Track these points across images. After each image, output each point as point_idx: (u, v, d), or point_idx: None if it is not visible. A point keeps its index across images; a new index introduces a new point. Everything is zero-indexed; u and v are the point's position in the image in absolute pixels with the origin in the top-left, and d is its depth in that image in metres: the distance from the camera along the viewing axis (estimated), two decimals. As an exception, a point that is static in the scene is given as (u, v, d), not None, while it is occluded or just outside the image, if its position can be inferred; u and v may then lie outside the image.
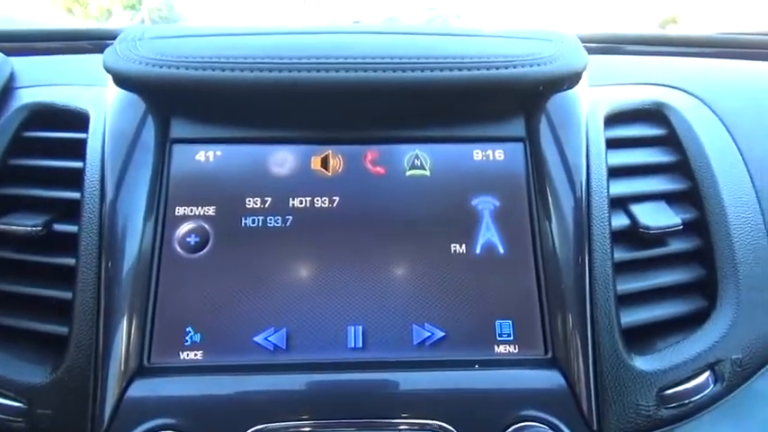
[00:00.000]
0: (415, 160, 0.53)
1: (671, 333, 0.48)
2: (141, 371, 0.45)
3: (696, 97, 0.61)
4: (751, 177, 0.55)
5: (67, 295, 0.46)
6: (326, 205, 0.51)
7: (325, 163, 0.52)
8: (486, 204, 0.51)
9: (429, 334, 0.47)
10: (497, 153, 0.53)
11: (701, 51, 0.77)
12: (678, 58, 0.73)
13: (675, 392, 0.45)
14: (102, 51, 0.52)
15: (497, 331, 0.47)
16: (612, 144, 0.54)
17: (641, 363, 0.45)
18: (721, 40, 0.79)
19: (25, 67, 0.63)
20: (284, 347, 0.47)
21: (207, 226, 0.50)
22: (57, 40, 0.77)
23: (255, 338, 0.47)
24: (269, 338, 0.47)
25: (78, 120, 0.54)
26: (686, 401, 0.45)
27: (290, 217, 0.50)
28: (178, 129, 0.52)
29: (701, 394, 0.45)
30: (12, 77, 0.60)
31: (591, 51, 0.54)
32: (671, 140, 0.57)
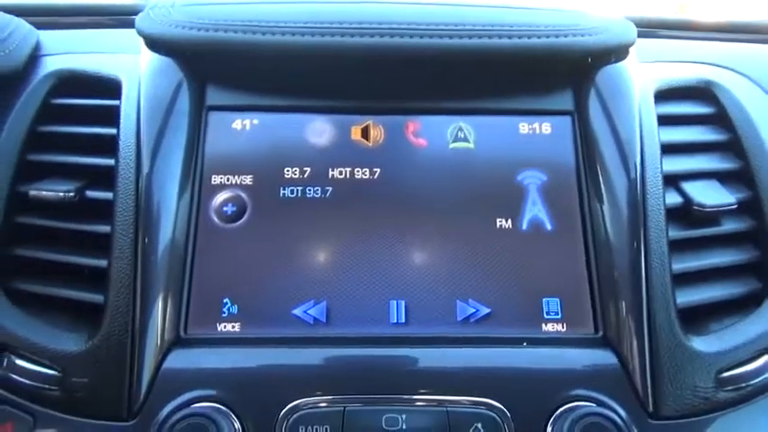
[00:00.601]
0: (459, 132, 0.51)
1: (725, 315, 0.47)
2: (179, 341, 0.43)
3: (745, 76, 0.59)
4: None
5: (102, 263, 0.44)
6: (367, 177, 0.49)
7: (365, 133, 0.51)
8: (532, 179, 0.50)
9: (474, 310, 0.46)
10: (544, 126, 0.51)
11: (742, 37, 0.75)
12: (721, 42, 0.70)
13: (734, 374, 0.43)
14: (127, 26, 0.50)
15: (545, 309, 0.46)
16: (663, 121, 0.52)
17: (699, 343, 0.43)
18: (762, 26, 0.76)
19: (52, 38, 0.61)
20: (324, 321, 0.45)
21: (244, 195, 0.48)
22: (81, 15, 0.75)
23: (294, 311, 0.45)
24: (308, 311, 0.45)
25: (109, 87, 0.53)
26: (744, 384, 0.43)
27: (330, 188, 0.49)
28: (214, 96, 0.51)
29: (760, 378, 0.43)
30: (38, 46, 0.59)
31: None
32: (721, 119, 0.55)
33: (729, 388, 0.43)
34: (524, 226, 0.48)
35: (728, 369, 0.43)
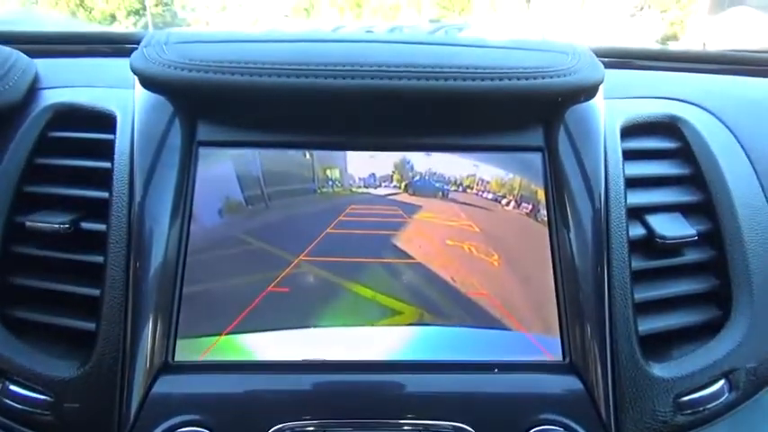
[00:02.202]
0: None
1: (686, 342, 0.49)
2: (166, 368, 0.45)
3: (709, 112, 0.62)
4: (763, 190, 0.56)
5: (95, 292, 0.47)
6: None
7: (348, 168, 0.53)
8: None
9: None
10: None
11: (711, 68, 0.78)
12: (689, 74, 0.74)
13: (692, 399, 0.46)
14: (122, 55, 0.53)
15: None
16: (628, 155, 0.55)
17: (658, 369, 0.46)
18: (731, 57, 0.80)
19: (48, 68, 0.64)
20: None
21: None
22: (77, 44, 0.78)
23: None
24: None
25: (105, 120, 0.55)
26: (702, 408, 0.46)
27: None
28: (204, 131, 0.53)
29: (717, 402, 0.46)
30: (36, 79, 0.61)
31: (604, 66, 0.55)
32: (685, 153, 0.58)
33: (688, 412, 0.46)
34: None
35: (687, 394, 0.46)
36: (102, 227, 0.49)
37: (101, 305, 0.46)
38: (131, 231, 0.48)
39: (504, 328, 0.48)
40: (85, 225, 0.50)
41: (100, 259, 0.48)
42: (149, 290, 0.46)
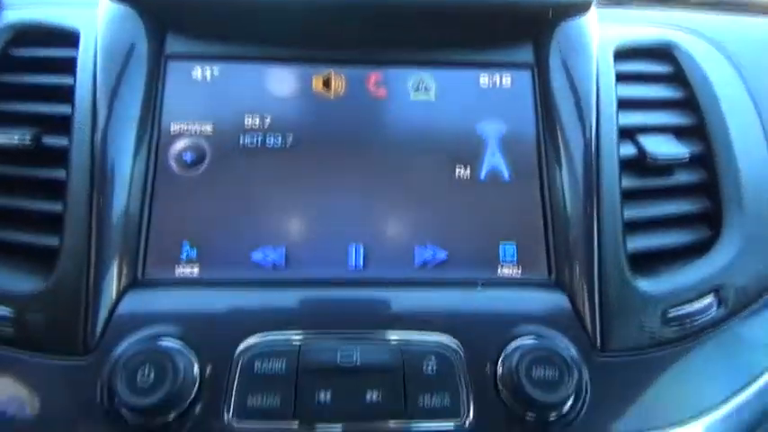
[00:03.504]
0: (420, 84, 0.51)
1: (675, 261, 0.48)
2: (136, 283, 0.43)
3: (708, 41, 0.60)
4: (759, 115, 0.54)
5: (58, 208, 0.44)
6: (328, 127, 0.50)
7: (326, 83, 0.51)
8: (492, 130, 0.50)
9: (431, 255, 0.46)
10: (504, 79, 0.52)
11: (706, 8, 0.76)
12: (690, 12, 0.72)
13: (679, 313, 0.45)
14: None
15: (501, 254, 0.47)
16: (621, 78, 0.53)
17: (646, 285, 0.45)
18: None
19: None
20: (283, 265, 0.45)
21: (203, 143, 0.48)
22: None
23: (253, 255, 0.46)
24: (267, 256, 0.46)
25: (68, 38, 0.52)
26: (689, 322, 0.45)
27: (290, 136, 0.49)
28: (174, 44, 0.51)
29: (704, 316, 0.45)
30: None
31: (600, 4, 0.53)
32: (679, 78, 0.56)
33: (675, 325, 0.44)
34: (483, 175, 0.49)
35: (673, 308, 0.44)
36: (64, 142, 0.46)
37: (63, 220, 0.43)
38: (95, 146, 0.45)
39: (488, 245, 0.47)
40: (47, 140, 0.47)
41: (62, 174, 0.45)
42: (115, 205, 0.44)
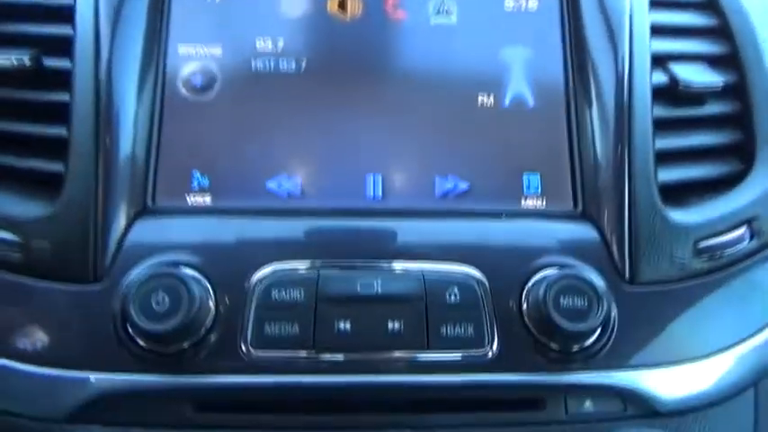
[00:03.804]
0: (441, 6, 0.48)
1: (706, 194, 0.46)
2: (146, 211, 0.42)
3: None
4: None
5: (63, 132, 0.42)
6: (344, 51, 0.47)
7: (342, 4, 0.48)
8: (516, 56, 0.47)
9: (452, 186, 0.44)
10: (531, 2, 0.49)
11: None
12: None
13: (711, 244, 0.43)
14: None
15: (524, 185, 0.45)
16: (653, 4, 0.50)
17: (678, 215, 0.43)
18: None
19: None
20: (298, 194, 0.44)
21: (213, 66, 0.46)
22: None
23: (268, 184, 0.44)
24: (282, 185, 0.44)
25: None
26: (720, 254, 0.43)
27: (305, 61, 0.46)
28: None
29: (737, 247, 0.43)
30: None
31: None
32: (713, 5, 0.53)
33: (705, 257, 0.43)
34: (506, 102, 0.46)
35: (705, 239, 0.43)
36: (66, 64, 0.44)
37: (68, 143, 0.41)
38: (98, 68, 0.43)
39: (511, 175, 0.45)
40: (48, 62, 0.45)
41: (66, 98, 0.43)
42: (121, 129, 0.42)
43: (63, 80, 0.43)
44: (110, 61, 0.43)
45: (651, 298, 0.42)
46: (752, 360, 0.42)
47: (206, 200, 0.43)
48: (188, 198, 0.43)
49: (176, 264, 0.39)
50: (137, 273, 0.38)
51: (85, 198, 0.40)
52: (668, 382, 0.41)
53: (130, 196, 0.41)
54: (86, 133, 0.42)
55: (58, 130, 0.43)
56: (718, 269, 0.43)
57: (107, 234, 0.40)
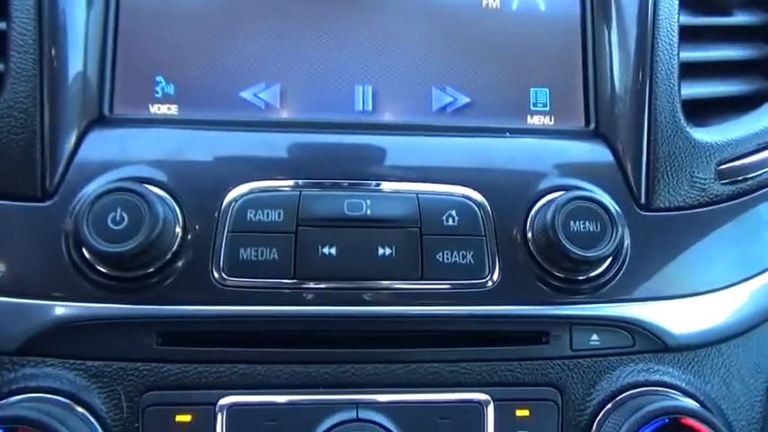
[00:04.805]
0: None
1: (728, 113, 0.42)
2: (102, 120, 0.37)
3: None
4: None
5: (2, 25, 0.36)
6: None
7: None
8: None
9: (451, 99, 0.40)
10: None
11: None
12: None
13: (734, 166, 0.39)
14: None
15: (531, 100, 0.40)
16: None
17: (701, 134, 0.39)
18: None
19: None
20: (277, 105, 0.39)
21: None
22: None
23: (242, 94, 0.39)
24: (259, 94, 0.39)
25: None
26: (743, 177, 0.39)
27: None
28: None
29: (760, 171, 0.39)
30: None
31: None
32: None
33: (727, 180, 0.39)
34: (515, 5, 0.41)
35: (729, 161, 0.39)
36: None
37: (8, 38, 0.35)
38: None
39: (517, 90, 0.40)
40: None
41: None
42: (70, 26, 0.36)
43: None
44: None
45: (667, 225, 0.38)
46: None
47: (171, 109, 0.38)
48: (151, 107, 0.38)
49: (137, 179, 0.34)
50: (91, 188, 0.34)
51: (31, 100, 0.35)
52: (680, 316, 0.38)
53: (83, 101, 0.36)
54: (28, 24, 0.36)
55: None
56: (740, 195, 0.39)
57: (56, 144, 0.35)
